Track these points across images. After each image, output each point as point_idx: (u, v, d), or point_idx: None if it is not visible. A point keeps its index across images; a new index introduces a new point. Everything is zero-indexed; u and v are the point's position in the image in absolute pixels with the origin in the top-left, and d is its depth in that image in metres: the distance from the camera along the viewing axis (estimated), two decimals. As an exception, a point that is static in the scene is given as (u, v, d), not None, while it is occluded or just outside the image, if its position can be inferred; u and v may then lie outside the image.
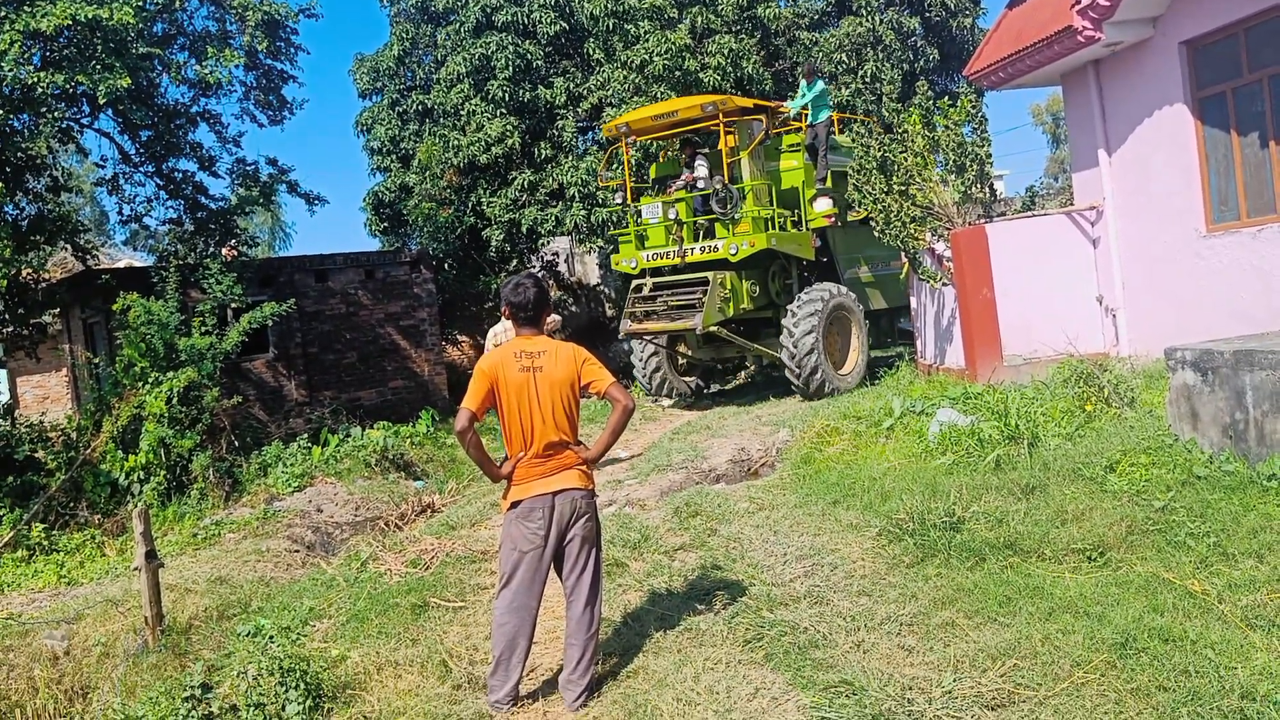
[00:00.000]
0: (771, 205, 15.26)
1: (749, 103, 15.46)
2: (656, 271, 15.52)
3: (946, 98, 14.79)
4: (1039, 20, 11.61)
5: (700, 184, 15.21)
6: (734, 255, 14.39)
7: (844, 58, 22.31)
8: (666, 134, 16.24)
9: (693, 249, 14.90)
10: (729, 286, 14.58)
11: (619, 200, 16.36)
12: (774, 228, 14.90)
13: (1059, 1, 11.21)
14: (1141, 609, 5.14)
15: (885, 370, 15.32)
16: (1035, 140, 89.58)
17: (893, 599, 6.01)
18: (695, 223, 15.33)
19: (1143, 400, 9.01)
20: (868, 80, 21.73)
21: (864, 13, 22.59)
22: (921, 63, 23.35)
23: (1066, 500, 6.91)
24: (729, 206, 14.74)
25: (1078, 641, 4.89)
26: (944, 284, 12.79)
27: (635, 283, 15.50)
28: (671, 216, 15.29)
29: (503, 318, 11.64)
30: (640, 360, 16.42)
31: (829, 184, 15.62)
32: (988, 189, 12.99)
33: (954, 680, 4.76)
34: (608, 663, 5.71)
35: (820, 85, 15.57)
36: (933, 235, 12.93)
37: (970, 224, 12.43)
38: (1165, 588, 5.37)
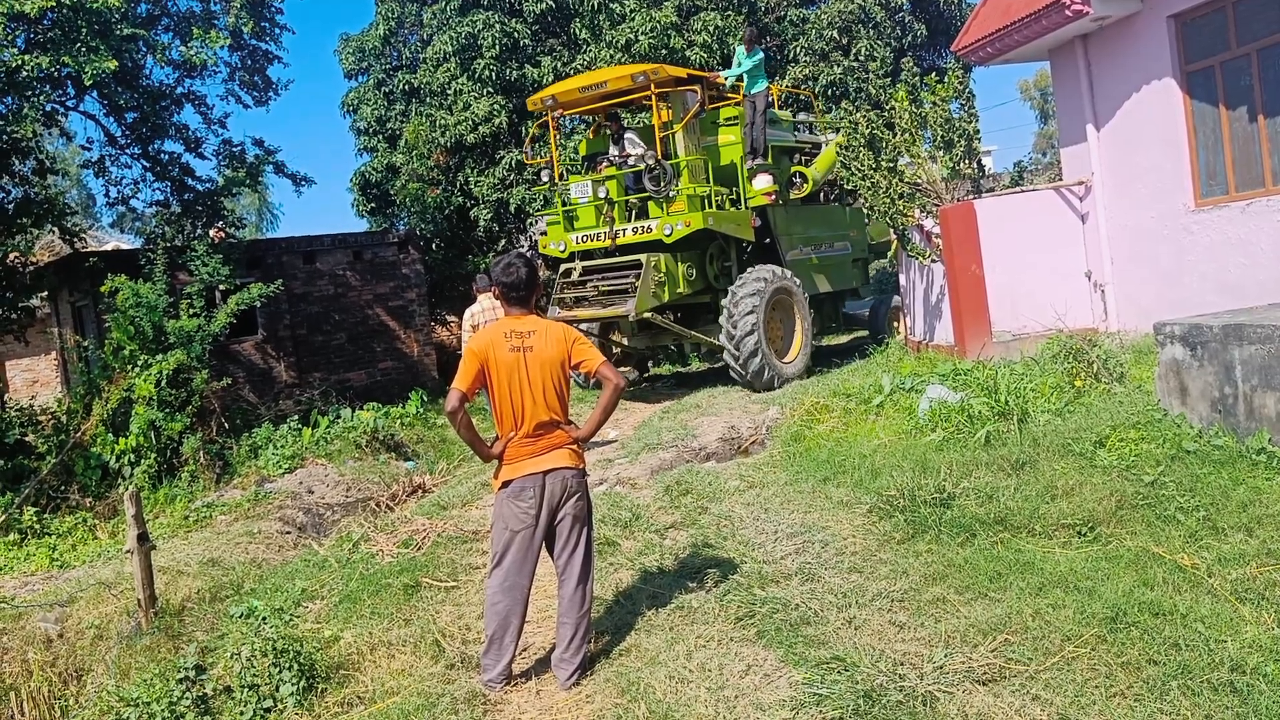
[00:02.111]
0: (708, 182, 14.06)
1: (682, 73, 14.43)
2: (587, 255, 14.42)
3: (934, 74, 14.67)
4: (1027, -5, 11.57)
5: (631, 160, 14.13)
6: (669, 236, 13.25)
7: (835, 34, 22.21)
8: (595, 107, 14.88)
9: (624, 230, 13.73)
10: (664, 270, 13.46)
11: (545, 179, 15.09)
12: (711, 206, 13.81)
13: (1047, -24, 11.17)
14: (1131, 583, 5.17)
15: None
16: (1023, 116, 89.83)
17: (884, 575, 6.03)
18: (627, 202, 14.16)
19: (1132, 375, 9.03)
20: (860, 59, 21.62)
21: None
22: (909, 38, 23.28)
23: (1056, 476, 6.92)
24: (663, 184, 13.53)
25: (1068, 616, 4.91)
26: (932, 260, 12.80)
27: (564, 267, 14.35)
28: (601, 195, 14.03)
29: (477, 298, 11.68)
30: None
31: (769, 159, 14.73)
32: (976, 165, 12.96)
33: (945, 655, 4.78)
34: (600, 641, 5.73)
35: (760, 55, 14.59)
36: (921, 212, 12.93)
37: (959, 200, 12.42)
38: (1155, 562, 5.40)
